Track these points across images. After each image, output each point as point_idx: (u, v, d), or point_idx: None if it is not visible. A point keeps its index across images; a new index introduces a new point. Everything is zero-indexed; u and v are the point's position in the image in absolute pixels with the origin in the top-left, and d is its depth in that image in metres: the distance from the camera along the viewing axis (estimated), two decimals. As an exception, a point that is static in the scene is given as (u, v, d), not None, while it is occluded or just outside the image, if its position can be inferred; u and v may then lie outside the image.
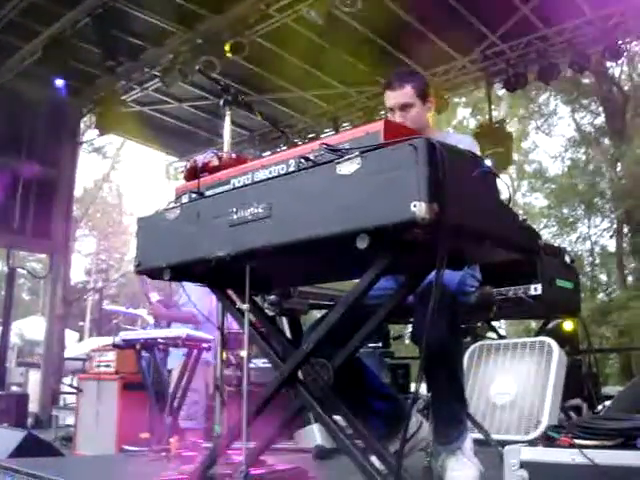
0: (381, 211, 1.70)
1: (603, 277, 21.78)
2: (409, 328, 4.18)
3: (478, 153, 2.53)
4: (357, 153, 1.79)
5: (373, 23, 7.96)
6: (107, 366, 6.02)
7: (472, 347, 4.51)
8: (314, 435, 4.08)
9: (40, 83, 8.58)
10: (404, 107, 2.95)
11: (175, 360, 5.28)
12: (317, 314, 3.31)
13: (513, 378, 4.14)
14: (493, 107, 10.54)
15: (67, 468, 3.99)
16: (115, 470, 3.94)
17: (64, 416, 8.13)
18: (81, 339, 21.72)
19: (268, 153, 10.63)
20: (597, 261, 21.93)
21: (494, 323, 5.51)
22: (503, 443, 2.41)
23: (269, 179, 2.04)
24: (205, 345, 4.86)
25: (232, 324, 3.67)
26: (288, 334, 3.39)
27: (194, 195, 2.25)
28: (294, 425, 3.82)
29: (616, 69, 16.95)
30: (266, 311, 2.70)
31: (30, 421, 8.17)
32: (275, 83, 9.61)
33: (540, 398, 3.93)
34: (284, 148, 10.45)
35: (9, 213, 9.26)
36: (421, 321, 2.38)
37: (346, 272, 2.37)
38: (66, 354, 11.12)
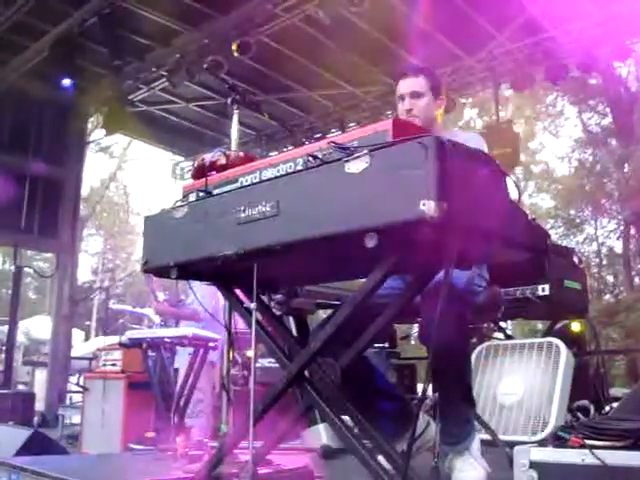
0: (390, 209, 1.69)
1: (610, 278, 21.72)
2: (416, 328, 4.18)
3: (487, 151, 2.53)
4: (365, 151, 1.78)
5: (380, 23, 7.96)
6: (113, 365, 6.04)
7: (479, 347, 4.50)
8: (321, 435, 4.06)
9: (47, 82, 8.59)
10: (414, 95, 2.93)
11: (182, 359, 5.29)
12: (324, 313, 3.30)
13: (520, 379, 4.13)
14: (500, 107, 10.51)
15: (73, 467, 3.99)
16: (121, 469, 3.94)
17: (70, 415, 8.14)
18: (87, 338, 21.76)
19: (275, 153, 10.64)
20: (604, 262, 21.87)
21: (502, 323, 5.49)
22: (510, 444, 2.41)
23: (277, 177, 2.04)
24: (211, 344, 4.86)
25: (237, 323, 3.66)
26: (295, 333, 3.39)
27: (202, 193, 2.25)
28: (301, 424, 3.82)
29: (623, 69, 16.90)
30: (273, 310, 2.69)
31: (36, 420, 8.18)
32: (282, 83, 9.62)
33: (547, 399, 3.92)
34: (291, 148, 10.45)
35: (16, 212, 9.28)
36: (429, 321, 2.37)
37: (353, 271, 2.36)
38: (72, 353, 11.13)
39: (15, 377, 10.46)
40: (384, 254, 1.85)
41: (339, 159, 1.84)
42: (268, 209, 1.96)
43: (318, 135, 10.63)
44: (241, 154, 2.38)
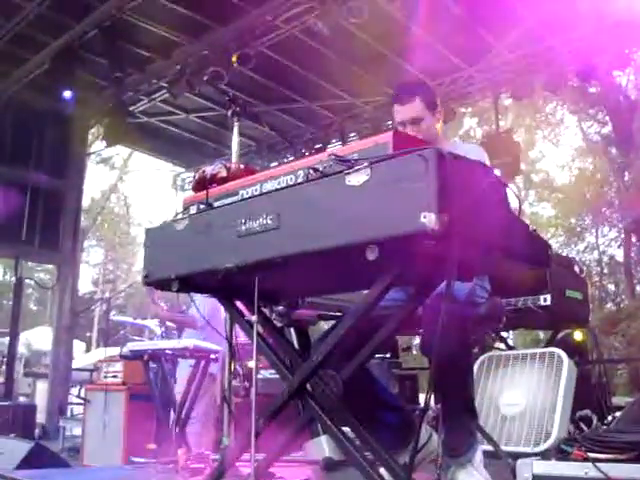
0: (390, 222, 1.69)
1: (611, 287, 21.71)
2: (417, 339, 4.17)
3: (487, 163, 2.53)
4: (366, 164, 1.78)
5: (379, 33, 7.98)
6: (114, 377, 6.02)
7: (481, 358, 4.49)
8: (323, 447, 4.05)
9: (48, 94, 8.60)
10: (415, 121, 2.94)
11: (182, 371, 5.28)
12: (325, 325, 3.30)
13: (523, 389, 4.12)
14: (500, 117, 10.53)
15: (74, 479, 3.99)
16: (122, 482, 3.93)
17: (71, 427, 8.13)
18: (88, 349, 21.74)
19: (275, 164, 10.66)
20: (605, 271, 21.86)
21: (503, 334, 5.48)
22: (513, 455, 2.40)
23: (277, 190, 2.04)
24: (213, 356, 4.85)
25: (238, 334, 3.66)
26: (296, 345, 3.38)
27: (202, 206, 2.25)
28: (303, 437, 3.80)
29: (623, 78, 16.93)
30: (274, 322, 2.69)
31: (37, 432, 8.16)
32: (282, 94, 9.64)
33: (550, 409, 3.91)
34: (291, 159, 10.47)
35: (17, 224, 9.29)
36: (431, 332, 2.36)
37: (355, 283, 2.36)
38: (73, 365, 11.11)
39: (16, 389, 10.45)
40: (386, 266, 1.85)
41: (340, 171, 1.84)
42: (269, 222, 1.96)
43: (318, 146, 10.65)
44: (242, 166, 2.39)
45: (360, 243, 1.74)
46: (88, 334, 26.74)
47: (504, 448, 3.52)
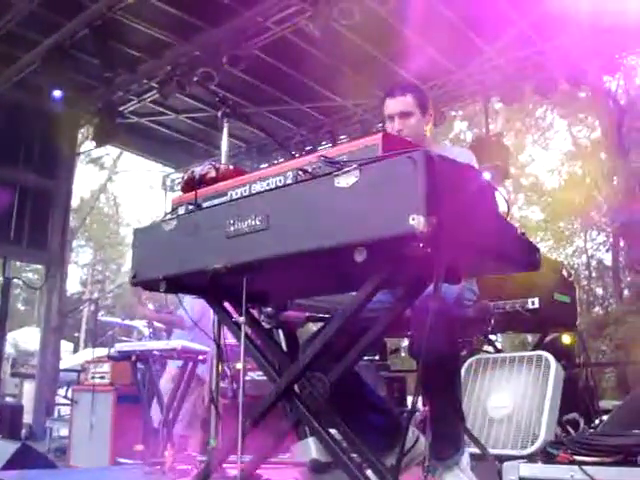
0: (379, 224, 1.69)
1: (599, 291, 21.78)
2: (406, 341, 4.17)
3: (476, 166, 2.53)
4: (355, 165, 1.78)
5: (371, 36, 7.99)
6: (102, 378, 6.00)
7: (469, 361, 4.49)
8: (310, 449, 4.04)
9: (38, 94, 8.57)
10: (403, 115, 2.95)
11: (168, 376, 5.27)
12: (314, 327, 3.29)
13: (510, 392, 4.12)
14: (490, 120, 10.56)
15: (60, 481, 3.97)
16: (109, 483, 3.92)
17: (58, 427, 8.08)
18: (76, 350, 21.63)
19: (265, 165, 10.64)
20: (593, 275, 21.94)
21: (491, 337, 5.49)
22: (500, 458, 2.40)
23: (267, 191, 2.03)
24: (201, 357, 4.84)
25: (226, 336, 3.65)
26: (284, 347, 3.38)
27: (191, 207, 2.24)
28: (290, 438, 3.80)
29: (613, 83, 17.01)
30: (262, 324, 2.69)
31: (24, 432, 8.12)
32: (273, 95, 9.63)
33: (537, 412, 3.92)
34: (281, 160, 10.45)
35: (5, 223, 9.25)
36: (419, 335, 2.37)
37: (343, 285, 2.36)
38: (61, 365, 11.06)
39: (3, 389, 10.41)
40: (374, 268, 1.85)
41: (329, 173, 1.84)
42: (258, 223, 1.96)
43: (309, 148, 10.64)
44: (231, 167, 2.39)
45: (348, 245, 1.74)
46: (76, 335, 26.61)
47: (491, 451, 3.52)
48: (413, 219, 1.62)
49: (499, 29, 7.89)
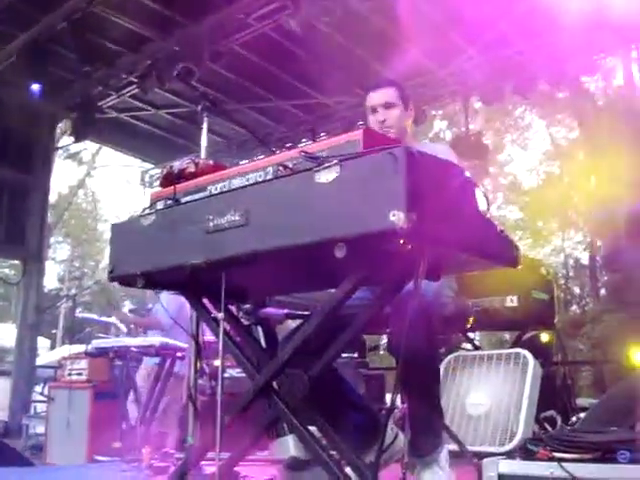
0: (359, 220, 1.69)
1: (576, 289, 21.96)
2: (385, 338, 4.17)
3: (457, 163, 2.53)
4: (336, 161, 1.77)
5: (352, 34, 7.98)
6: (79, 374, 5.94)
7: (448, 358, 4.51)
8: (289, 446, 4.04)
9: (15, 88, 8.47)
10: (387, 105, 2.96)
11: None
12: (293, 323, 3.29)
13: (488, 389, 4.15)
14: (469, 120, 10.60)
15: (37, 478, 3.93)
16: (85, 480, 3.89)
17: (35, 425, 8.01)
18: (53, 347, 21.47)
19: (245, 162, 10.59)
20: (571, 274, 22.11)
21: (470, 334, 5.51)
22: (479, 455, 2.41)
23: (246, 186, 2.02)
24: (179, 354, 4.82)
25: (205, 332, 3.64)
26: (263, 344, 3.37)
27: (170, 201, 2.22)
28: (269, 436, 3.79)
29: (591, 84, 17.14)
30: (241, 320, 2.67)
31: (0, 430, 8.05)
32: (253, 92, 9.59)
33: (515, 410, 3.94)
34: (262, 157, 10.42)
35: (-19, 218, 9.16)
36: (398, 332, 2.36)
37: (323, 282, 2.35)
38: (38, 362, 10.96)
39: (-22, 386, 10.28)
40: (354, 265, 1.84)
41: (309, 169, 1.83)
42: (237, 218, 1.95)
43: (289, 145, 10.61)
44: (210, 162, 2.37)
45: (328, 241, 1.74)
46: (53, 331, 26.42)
47: (470, 448, 3.54)
48: (393, 215, 1.61)
49: (480, 29, 7.91)
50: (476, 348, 5.44)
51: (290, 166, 1.91)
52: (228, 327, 2.29)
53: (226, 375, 5.18)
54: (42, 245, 10.38)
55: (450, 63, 8.81)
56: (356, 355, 6.73)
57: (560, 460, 1.81)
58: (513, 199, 23.81)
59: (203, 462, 2.41)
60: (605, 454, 1.83)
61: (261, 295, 2.81)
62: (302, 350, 2.06)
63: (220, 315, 2.18)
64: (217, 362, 4.61)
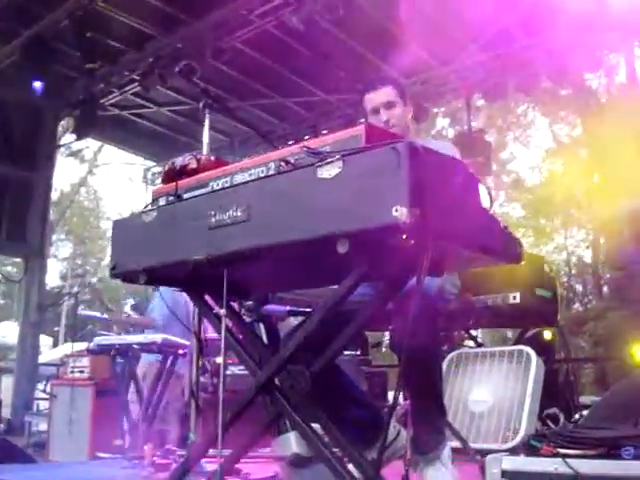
0: (362, 215, 1.68)
1: (579, 287, 21.93)
2: (387, 335, 4.16)
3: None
4: (338, 156, 1.76)
5: (355, 31, 7.96)
6: (81, 372, 5.95)
7: (450, 355, 4.51)
8: (291, 443, 4.03)
9: (18, 85, 8.47)
10: (389, 105, 2.95)
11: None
12: (295, 320, 3.28)
13: (491, 387, 4.14)
14: (471, 117, 10.57)
15: (39, 475, 3.93)
16: (88, 477, 3.88)
17: (37, 422, 8.02)
18: (56, 344, 21.50)
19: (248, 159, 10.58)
20: (573, 271, 22.09)
21: (472, 331, 5.51)
22: (481, 452, 2.40)
23: (248, 182, 2.01)
24: (181, 351, 4.82)
25: (207, 330, 3.63)
26: (265, 340, 3.36)
27: (172, 198, 2.22)
28: (271, 433, 3.79)
29: (594, 81, 17.11)
30: (243, 317, 2.66)
31: (2, 427, 8.06)
32: (255, 89, 9.58)
33: (518, 407, 3.93)
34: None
35: (-17, 216, 9.16)
36: (400, 328, 2.36)
37: (325, 278, 2.34)
38: (40, 359, 10.98)
39: (-19, 384, 10.28)
40: (356, 260, 1.84)
41: (311, 164, 1.82)
42: (239, 214, 1.94)
43: (291, 142, 10.59)
44: (212, 158, 2.36)
45: (330, 236, 1.73)
46: (56, 329, 26.44)
47: (472, 445, 3.54)
48: (396, 210, 1.60)
49: (483, 25, 7.88)
50: (479, 345, 5.43)
51: (292, 161, 1.90)
52: (230, 324, 2.28)
53: (228, 372, 5.19)
54: (44, 243, 10.38)
55: (452, 60, 8.79)
56: (358, 352, 6.72)
57: (564, 456, 1.80)
58: (516, 197, 23.78)
59: (205, 459, 2.40)
60: (609, 450, 1.82)
61: (263, 291, 2.80)
62: (304, 347, 2.05)
63: (222, 312, 2.17)
64: (219, 359, 4.61)
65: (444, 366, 4.29)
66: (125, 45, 8.55)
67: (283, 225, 1.84)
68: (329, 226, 1.73)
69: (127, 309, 6.09)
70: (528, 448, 1.96)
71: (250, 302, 2.91)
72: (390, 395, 6.38)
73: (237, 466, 2.46)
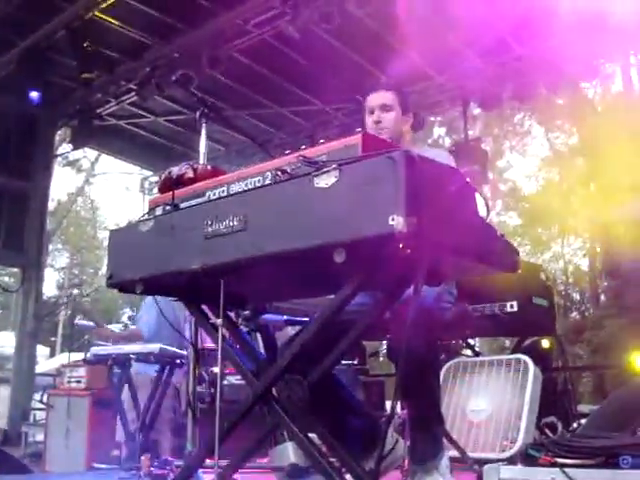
0: (358, 224, 1.68)
1: (576, 296, 21.95)
2: (384, 345, 4.15)
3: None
4: (335, 166, 1.76)
5: (351, 40, 7.98)
6: (78, 382, 5.92)
7: (448, 364, 4.50)
8: (288, 453, 4.02)
9: (14, 95, 8.47)
10: (384, 108, 2.98)
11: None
12: (292, 330, 3.27)
13: (489, 396, 4.13)
14: (468, 126, 10.58)
15: (35, 486, 3.92)
16: (84, 489, 3.87)
17: (34, 432, 7.98)
18: (53, 354, 21.43)
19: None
20: (570, 280, 22.10)
21: (470, 340, 5.50)
22: (479, 461, 2.39)
23: (245, 191, 2.01)
24: (178, 361, 4.80)
25: (205, 340, 3.62)
26: (262, 350, 3.36)
27: (168, 207, 2.21)
28: (268, 443, 3.77)
29: (590, 90, 17.17)
30: (240, 326, 2.66)
31: (-1, 437, 8.03)
32: (252, 98, 9.60)
33: (516, 416, 3.92)
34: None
35: (-20, 226, 9.15)
36: (398, 337, 2.35)
37: (323, 288, 2.34)
38: (37, 369, 10.94)
39: (-23, 394, 10.24)
40: (353, 270, 1.83)
41: (308, 173, 1.82)
42: (236, 223, 1.94)
43: (288, 152, 10.60)
44: (209, 167, 2.36)
45: (327, 245, 1.72)
46: (52, 339, 26.37)
47: (470, 454, 3.52)
48: (393, 219, 1.60)
49: (479, 34, 7.90)
50: (476, 354, 5.42)
51: (289, 171, 1.90)
52: (227, 333, 2.28)
53: (225, 382, 5.17)
54: (41, 252, 10.36)
55: (449, 69, 8.81)
56: (356, 361, 6.71)
57: (562, 466, 1.79)
58: (512, 205, 23.81)
59: (202, 469, 2.39)
60: (607, 459, 1.81)
61: (260, 301, 2.79)
62: (301, 356, 2.05)
63: (219, 321, 2.16)
64: (216, 369, 4.61)
65: (442, 375, 4.28)
66: (122, 55, 8.56)
67: (279, 235, 1.84)
68: (326, 236, 1.73)
69: (124, 319, 6.06)
70: (526, 457, 1.95)
71: (247, 311, 2.91)
72: (388, 404, 6.37)
73: (234, 476, 2.45)
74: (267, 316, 3.06)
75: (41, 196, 10.13)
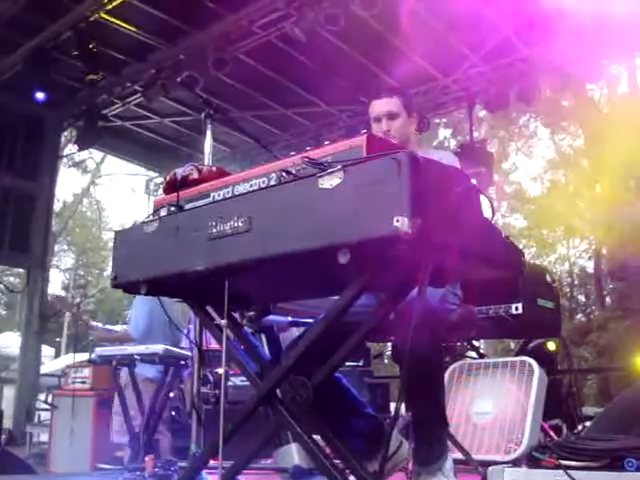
0: (363, 226, 1.67)
1: (582, 298, 21.89)
2: (389, 347, 4.15)
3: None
4: (339, 167, 1.76)
5: (356, 42, 7.99)
6: (83, 382, 5.94)
7: (452, 366, 4.49)
8: (292, 455, 4.02)
9: (21, 96, 8.50)
10: (391, 116, 2.98)
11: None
12: (296, 332, 3.27)
13: (494, 398, 4.12)
14: (474, 128, 10.58)
15: (39, 487, 3.92)
16: (88, 489, 3.87)
17: (39, 433, 8.00)
18: (58, 355, 21.47)
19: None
20: (576, 282, 22.05)
21: (475, 342, 5.49)
22: (484, 463, 2.38)
23: (249, 192, 2.01)
24: (182, 362, 4.80)
25: (210, 341, 3.62)
26: (267, 351, 3.36)
27: (173, 208, 2.21)
28: (272, 444, 3.77)
29: (596, 92, 17.14)
30: (245, 327, 2.66)
31: (4, 438, 8.03)
32: (257, 100, 9.61)
33: (521, 418, 3.92)
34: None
35: (-14, 226, 9.16)
36: (402, 339, 2.35)
37: (327, 289, 2.33)
38: (42, 370, 10.96)
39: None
40: (358, 271, 1.83)
41: (313, 174, 1.82)
42: (240, 224, 1.94)
43: (293, 153, 10.58)
44: (214, 168, 2.36)
45: (332, 246, 1.72)
46: (57, 339, 26.41)
47: (475, 456, 3.52)
48: (397, 221, 1.60)
49: (484, 35, 7.91)
50: (481, 356, 5.42)
51: (293, 172, 1.90)
52: (232, 334, 2.28)
53: (229, 383, 5.17)
54: (46, 253, 10.38)
55: (454, 71, 8.82)
56: (361, 363, 6.70)
57: (566, 468, 1.79)
58: (518, 207, 23.77)
59: (206, 471, 2.39)
60: (612, 462, 1.81)
61: (265, 302, 2.79)
62: (306, 358, 2.04)
63: (223, 322, 2.16)
64: (220, 370, 4.61)
65: (446, 377, 4.28)
66: (127, 56, 8.58)
67: (284, 236, 1.84)
68: (330, 236, 1.73)
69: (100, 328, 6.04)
70: (531, 459, 1.95)
71: (252, 312, 2.91)
72: (392, 407, 6.36)
73: (238, 477, 2.45)
74: (271, 317, 3.06)
75: (47, 197, 10.15)
